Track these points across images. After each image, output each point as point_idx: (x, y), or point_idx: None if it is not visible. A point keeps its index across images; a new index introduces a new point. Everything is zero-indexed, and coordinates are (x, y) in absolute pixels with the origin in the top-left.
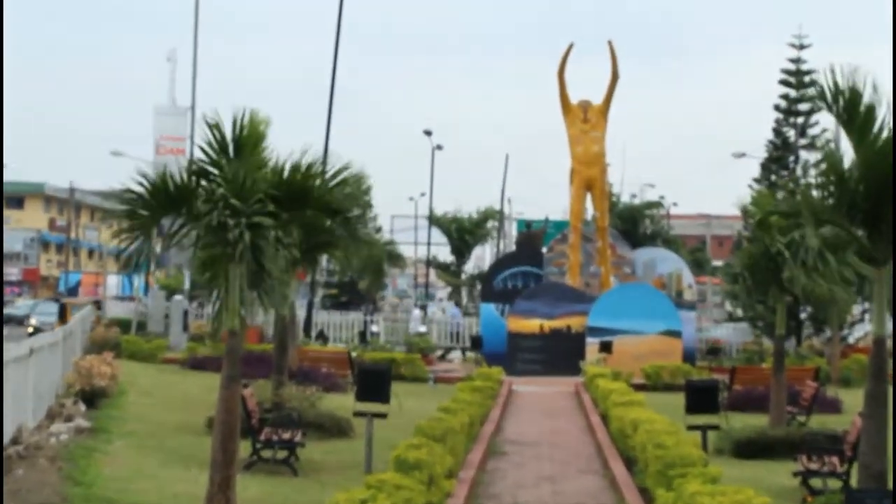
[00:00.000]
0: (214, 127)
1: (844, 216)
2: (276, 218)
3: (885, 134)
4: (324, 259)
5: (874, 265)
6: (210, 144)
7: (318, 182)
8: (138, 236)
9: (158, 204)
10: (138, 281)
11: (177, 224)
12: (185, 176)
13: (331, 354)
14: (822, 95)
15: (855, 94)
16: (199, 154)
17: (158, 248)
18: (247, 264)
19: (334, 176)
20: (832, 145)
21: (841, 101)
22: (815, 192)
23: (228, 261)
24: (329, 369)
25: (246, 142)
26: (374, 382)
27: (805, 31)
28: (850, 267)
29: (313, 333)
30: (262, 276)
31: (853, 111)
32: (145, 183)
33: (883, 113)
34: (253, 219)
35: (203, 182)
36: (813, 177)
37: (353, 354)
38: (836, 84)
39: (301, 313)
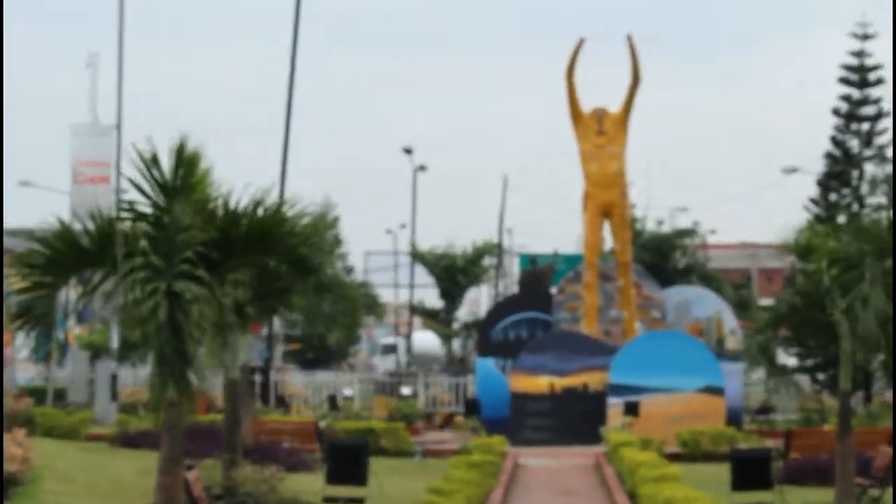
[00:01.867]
0: (152, 161)
1: None
2: (217, 267)
3: None
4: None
5: None
6: (145, 178)
7: (275, 226)
8: (40, 298)
9: (64, 264)
10: (54, 340)
11: (98, 275)
12: (103, 222)
13: (294, 425)
14: None
15: None
16: (127, 186)
17: (75, 300)
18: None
19: (294, 219)
20: None
21: None
22: (883, 217)
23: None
24: (292, 444)
25: (185, 177)
26: (347, 460)
27: (870, 17)
28: None
29: (272, 400)
30: (181, 353)
31: None
32: (47, 241)
33: None
34: (174, 285)
35: (130, 223)
36: (881, 196)
37: (322, 425)
38: None
39: (257, 375)
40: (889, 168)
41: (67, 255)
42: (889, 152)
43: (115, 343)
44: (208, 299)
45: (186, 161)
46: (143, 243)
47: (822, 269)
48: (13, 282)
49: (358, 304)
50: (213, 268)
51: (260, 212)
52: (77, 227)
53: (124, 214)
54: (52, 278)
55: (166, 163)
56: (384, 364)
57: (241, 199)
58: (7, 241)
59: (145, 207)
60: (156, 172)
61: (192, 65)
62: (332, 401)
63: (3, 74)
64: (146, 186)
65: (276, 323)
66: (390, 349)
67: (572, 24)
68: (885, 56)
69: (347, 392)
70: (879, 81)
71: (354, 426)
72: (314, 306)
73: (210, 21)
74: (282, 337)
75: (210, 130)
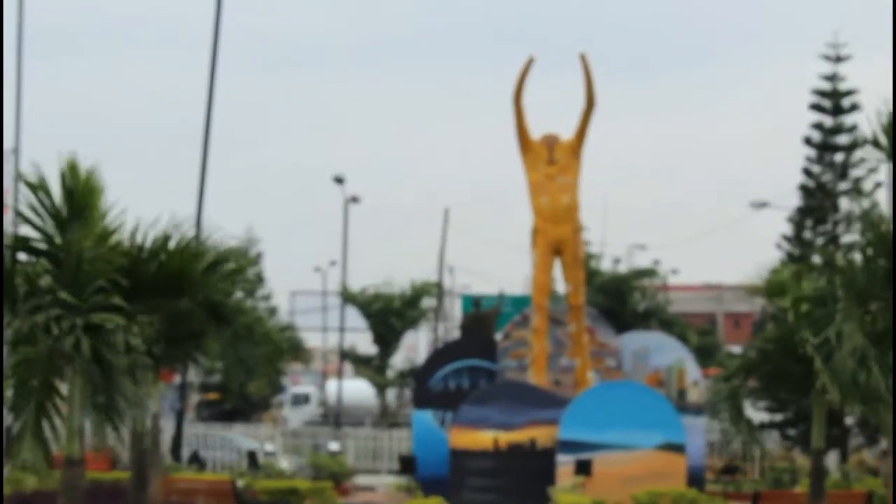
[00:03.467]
0: (40, 188)
1: None
2: (126, 309)
3: None
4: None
5: None
6: (35, 210)
7: (188, 264)
8: None
9: None
10: None
11: None
12: None
13: (209, 484)
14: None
15: None
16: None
17: None
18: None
19: (214, 260)
20: (880, 194)
21: (887, 136)
22: (857, 258)
23: (62, 365)
24: None
25: (79, 205)
26: None
27: (843, 38)
28: None
29: (185, 455)
30: (111, 389)
31: None
32: None
33: None
34: (91, 317)
35: (29, 258)
36: (858, 234)
37: (240, 484)
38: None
39: (168, 428)
40: (865, 203)
41: None
42: (865, 184)
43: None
44: (130, 329)
45: (80, 189)
46: (47, 279)
47: (787, 307)
48: None
49: (281, 349)
50: (125, 301)
51: (171, 246)
52: None
53: (19, 249)
54: None
55: (58, 192)
56: (296, 416)
57: (148, 233)
58: None
59: (40, 243)
60: (46, 202)
61: (101, 90)
62: (252, 457)
63: (2, 70)
64: (36, 218)
65: (192, 370)
66: (302, 399)
67: (518, 50)
68: (859, 80)
69: (269, 447)
70: (854, 108)
71: (276, 486)
72: (231, 352)
73: (121, 43)
74: (197, 385)
75: (119, 161)
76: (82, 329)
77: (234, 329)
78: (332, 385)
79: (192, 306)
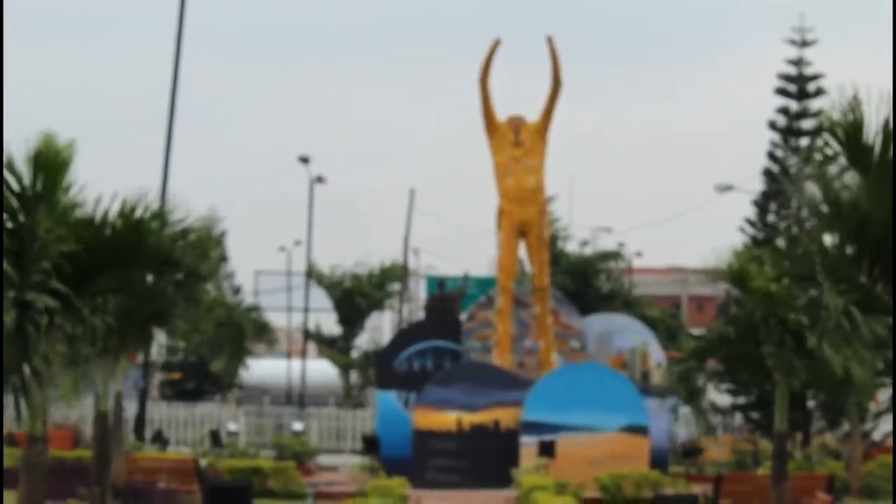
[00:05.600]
0: (7, 168)
1: (863, 269)
2: (84, 283)
3: None
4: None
5: None
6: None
7: (150, 234)
8: None
9: None
10: None
11: None
12: None
13: (172, 463)
14: (828, 127)
15: (856, 121)
16: None
17: None
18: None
19: (174, 226)
20: (843, 178)
21: (841, 130)
22: (826, 240)
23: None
24: (169, 484)
25: (45, 189)
26: (229, 503)
27: (809, 22)
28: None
29: (147, 434)
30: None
31: (856, 142)
32: None
33: None
34: (25, 294)
35: None
36: (819, 219)
37: (203, 463)
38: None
39: (131, 407)
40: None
41: None
42: (830, 169)
43: None
44: (65, 314)
45: (52, 168)
46: None
47: (758, 287)
48: None
49: (245, 328)
50: (78, 284)
51: (136, 213)
52: None
53: None
54: None
55: (26, 169)
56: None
57: (110, 206)
58: None
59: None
60: (12, 180)
61: (64, 72)
62: (215, 436)
63: (3, 66)
64: (6, 194)
65: (154, 349)
66: None
67: (486, 36)
68: (824, 64)
69: (232, 427)
70: (819, 92)
71: (239, 465)
72: (194, 330)
73: (86, 23)
74: (160, 364)
75: (82, 143)
76: (12, 303)
77: (194, 300)
78: (255, 366)
79: (156, 283)
